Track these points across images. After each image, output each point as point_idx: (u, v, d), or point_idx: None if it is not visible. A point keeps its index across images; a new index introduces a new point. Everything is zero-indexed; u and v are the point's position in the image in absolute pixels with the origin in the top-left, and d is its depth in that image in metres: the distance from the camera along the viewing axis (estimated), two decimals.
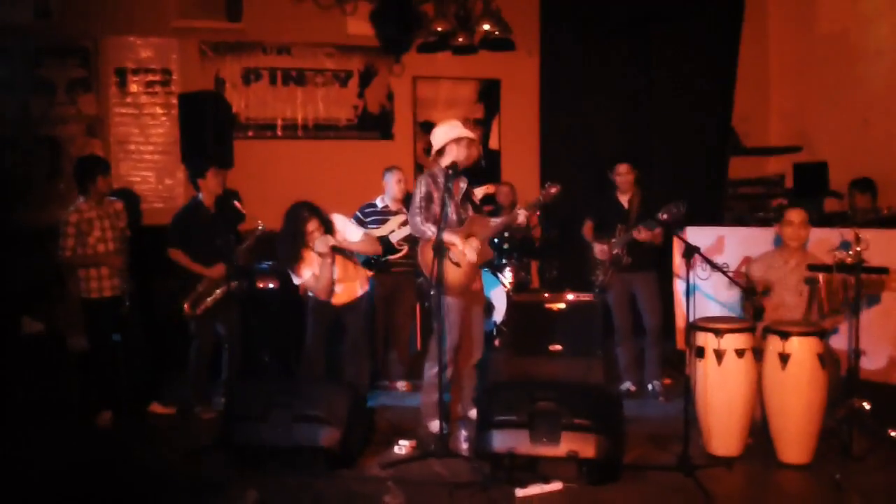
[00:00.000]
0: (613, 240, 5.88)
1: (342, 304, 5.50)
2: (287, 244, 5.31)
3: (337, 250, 5.31)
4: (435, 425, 5.00)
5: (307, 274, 5.35)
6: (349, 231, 5.49)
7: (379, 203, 6.34)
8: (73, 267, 5.57)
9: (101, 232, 5.54)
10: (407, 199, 6.52)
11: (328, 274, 5.29)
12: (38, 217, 7.18)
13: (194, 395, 5.79)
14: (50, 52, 7.37)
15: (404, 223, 6.22)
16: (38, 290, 6.87)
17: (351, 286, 5.52)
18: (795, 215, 5.11)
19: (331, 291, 5.36)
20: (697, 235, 6.20)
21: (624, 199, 5.95)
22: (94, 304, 5.55)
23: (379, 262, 6.18)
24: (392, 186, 6.31)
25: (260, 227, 5.75)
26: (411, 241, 6.23)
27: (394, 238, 6.21)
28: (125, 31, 7.55)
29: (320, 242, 5.22)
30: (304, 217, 5.26)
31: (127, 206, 5.90)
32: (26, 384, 5.86)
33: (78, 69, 7.45)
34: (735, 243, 6.17)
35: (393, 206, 6.34)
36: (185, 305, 5.65)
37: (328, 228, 5.35)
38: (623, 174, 5.91)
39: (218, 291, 5.68)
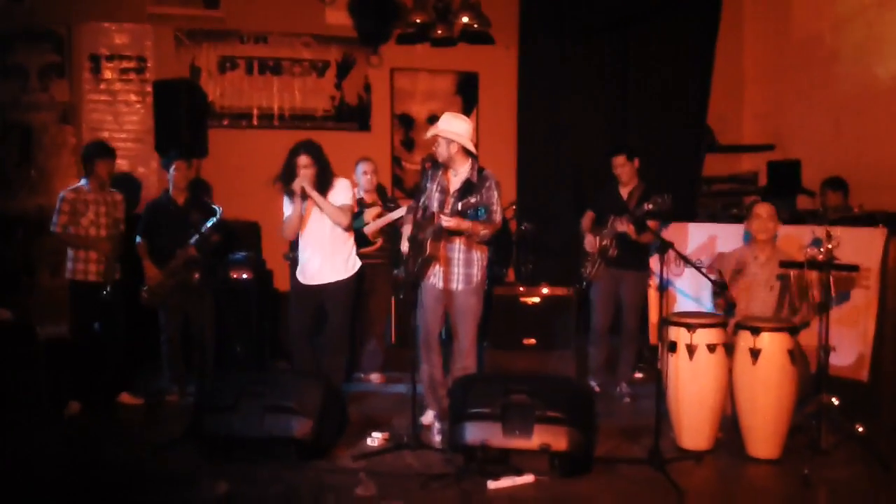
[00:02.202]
0: (604, 230, 5.76)
1: (325, 285, 5.37)
2: (284, 173, 5.26)
3: (306, 195, 5.17)
4: (426, 416, 5.12)
5: (288, 210, 5.30)
6: (339, 194, 5.30)
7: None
8: (62, 244, 5.60)
9: (96, 217, 5.57)
10: (379, 191, 6.50)
11: (295, 213, 5.25)
12: (8, 204, 7.10)
13: (170, 380, 5.84)
14: (22, 37, 7.25)
15: (378, 215, 6.19)
16: (6, 277, 6.79)
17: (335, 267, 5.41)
18: (763, 209, 5.17)
19: (292, 232, 5.32)
20: (675, 232, 6.27)
21: (624, 192, 5.83)
22: (78, 286, 5.57)
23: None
24: (359, 178, 6.28)
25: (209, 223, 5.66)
26: (386, 232, 6.23)
27: (367, 230, 6.17)
28: (99, 17, 7.45)
29: (298, 179, 5.16)
30: (296, 151, 5.22)
31: (128, 193, 5.94)
32: None
33: (51, 55, 7.34)
34: (707, 239, 6.23)
35: (367, 198, 6.31)
36: (143, 293, 5.70)
37: (324, 176, 5.25)
38: (619, 166, 5.79)
39: (172, 280, 5.68)
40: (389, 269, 6.34)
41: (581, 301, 6.22)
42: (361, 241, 6.12)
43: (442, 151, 4.93)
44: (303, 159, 5.19)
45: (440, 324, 5.14)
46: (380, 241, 6.23)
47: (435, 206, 4.98)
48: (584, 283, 5.97)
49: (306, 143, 5.28)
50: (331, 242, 5.34)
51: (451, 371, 5.11)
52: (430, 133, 4.98)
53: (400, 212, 6.05)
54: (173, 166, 5.86)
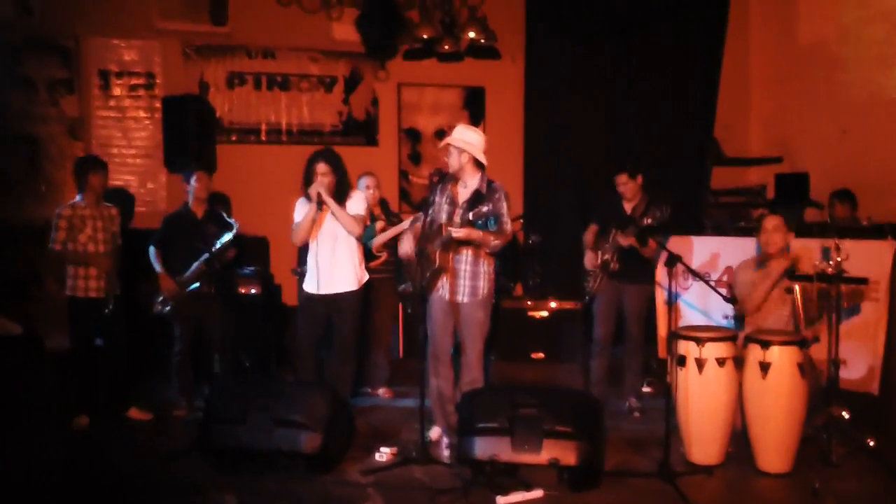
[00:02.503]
0: (606, 244, 5.71)
1: (335, 294, 5.37)
2: (304, 180, 5.32)
3: (321, 202, 5.22)
4: (433, 432, 5.10)
5: (299, 216, 5.33)
6: (354, 205, 5.38)
7: None
8: (61, 261, 5.56)
9: (94, 232, 5.54)
10: (382, 205, 6.49)
11: (307, 219, 5.25)
12: (16, 215, 7.12)
13: (179, 391, 5.84)
14: (30, 50, 7.28)
15: (383, 229, 6.19)
16: (15, 289, 6.80)
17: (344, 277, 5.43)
18: (769, 222, 5.16)
19: (302, 238, 5.31)
20: (681, 245, 6.25)
21: (628, 206, 5.73)
22: (78, 303, 5.53)
23: None
24: (362, 192, 6.27)
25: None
26: (390, 246, 6.23)
27: (373, 244, 6.17)
28: (108, 33, 7.50)
29: (314, 185, 5.21)
30: (315, 159, 5.29)
31: (121, 207, 5.94)
32: (1, 385, 5.78)
33: (60, 69, 7.38)
34: (716, 252, 6.22)
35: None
36: (157, 304, 5.73)
37: (342, 186, 5.31)
38: (623, 184, 5.69)
39: (186, 292, 5.71)
40: (394, 282, 6.34)
41: (586, 315, 6.16)
42: (366, 254, 6.12)
43: (453, 162, 4.93)
44: (321, 167, 5.25)
45: (450, 336, 5.10)
46: (384, 255, 6.23)
47: (444, 217, 4.98)
48: (588, 298, 5.92)
49: (326, 151, 5.36)
50: (343, 252, 5.37)
51: (459, 385, 5.09)
52: (442, 143, 5.01)
53: (404, 224, 6.06)
54: (194, 177, 5.87)
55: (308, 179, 5.28)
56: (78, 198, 5.60)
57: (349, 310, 5.41)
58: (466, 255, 4.96)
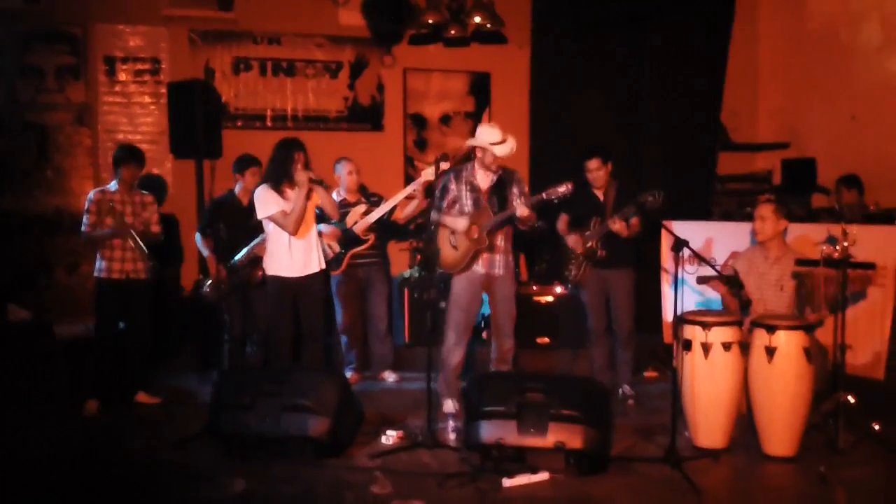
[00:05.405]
0: (588, 232, 5.67)
1: (307, 276, 5.43)
2: (276, 167, 5.38)
3: (314, 182, 5.30)
4: (447, 405, 5.34)
5: (274, 209, 5.31)
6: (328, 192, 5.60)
7: (335, 196, 6.15)
8: (93, 243, 5.65)
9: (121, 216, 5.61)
10: (361, 189, 6.48)
11: (301, 205, 5.28)
12: (25, 204, 7.17)
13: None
14: (38, 38, 7.30)
15: (365, 212, 6.20)
16: (24, 277, 6.84)
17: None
18: (761, 210, 5.13)
19: (298, 226, 5.32)
20: (685, 230, 6.24)
21: (600, 193, 5.73)
22: (105, 284, 5.61)
23: (340, 256, 6.19)
24: (344, 178, 6.29)
25: None
26: (376, 229, 6.24)
27: (357, 229, 6.18)
28: (114, 19, 7.49)
29: (302, 172, 5.30)
30: (296, 146, 5.38)
31: (152, 193, 5.99)
32: (11, 372, 5.83)
33: (67, 56, 7.38)
34: (722, 238, 6.20)
35: (350, 198, 6.31)
36: (207, 287, 5.90)
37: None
38: (594, 170, 5.67)
39: (236, 278, 5.85)
40: (384, 266, 6.39)
41: (573, 303, 6.10)
42: (353, 240, 6.14)
43: (490, 160, 5.29)
44: (301, 155, 5.36)
45: (477, 311, 5.50)
46: (371, 238, 6.24)
47: (469, 203, 5.30)
48: (570, 286, 5.90)
49: (299, 140, 5.45)
50: (314, 236, 5.52)
51: (496, 356, 5.45)
52: (495, 157, 5.27)
53: (386, 206, 6.14)
54: (248, 171, 6.03)
55: (285, 166, 5.32)
56: (111, 184, 5.74)
57: (320, 287, 5.58)
58: (502, 233, 5.40)
